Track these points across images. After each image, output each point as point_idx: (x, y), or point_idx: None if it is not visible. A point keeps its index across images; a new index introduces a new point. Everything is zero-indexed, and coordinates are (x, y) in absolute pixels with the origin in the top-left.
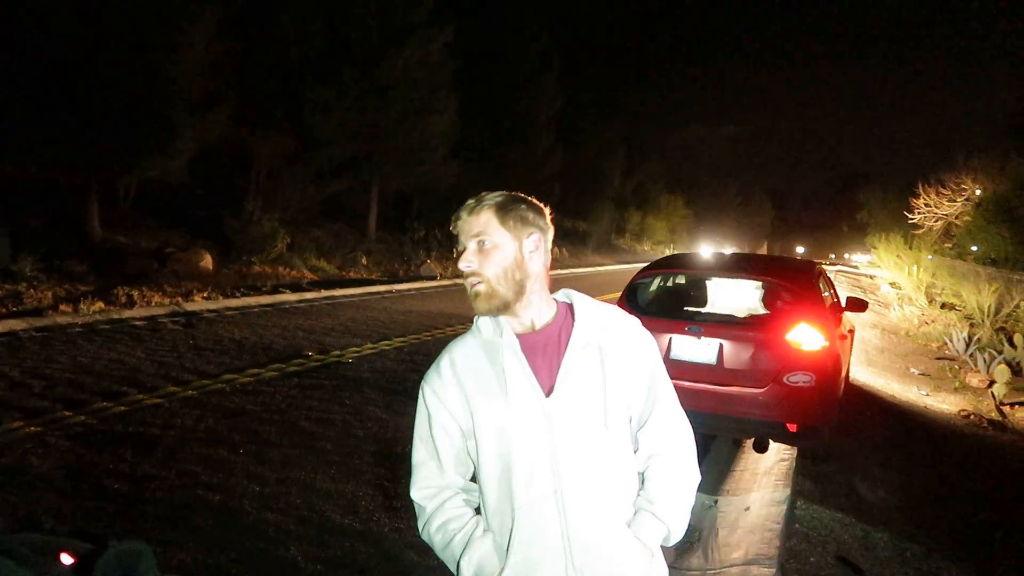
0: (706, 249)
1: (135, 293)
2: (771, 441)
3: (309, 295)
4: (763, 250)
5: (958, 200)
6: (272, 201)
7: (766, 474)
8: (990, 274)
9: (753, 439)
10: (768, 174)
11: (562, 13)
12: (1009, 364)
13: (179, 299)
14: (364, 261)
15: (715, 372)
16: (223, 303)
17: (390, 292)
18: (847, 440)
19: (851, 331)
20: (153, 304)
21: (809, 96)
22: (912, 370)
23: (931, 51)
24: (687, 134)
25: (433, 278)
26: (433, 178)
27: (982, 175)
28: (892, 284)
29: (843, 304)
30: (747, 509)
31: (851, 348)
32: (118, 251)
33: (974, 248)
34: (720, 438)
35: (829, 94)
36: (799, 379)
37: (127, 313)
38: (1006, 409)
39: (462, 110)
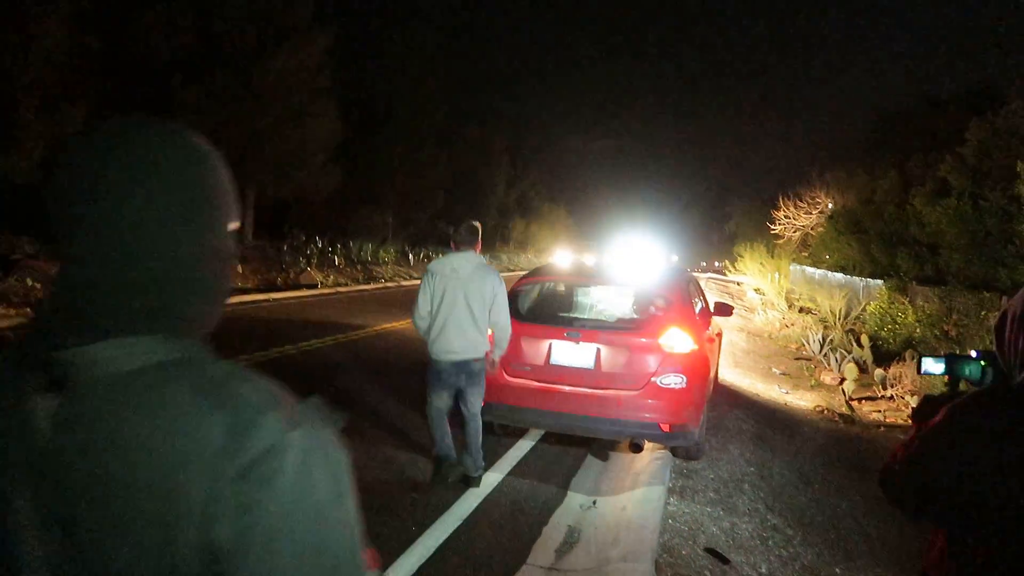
0: (581, 257)
1: None
2: (646, 441)
3: None
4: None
5: (813, 212)
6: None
7: (641, 473)
8: (840, 281)
9: (629, 440)
10: (644, 186)
11: (446, 23)
12: (857, 363)
13: (29, 311)
14: (239, 269)
15: (593, 376)
16: None
17: (267, 301)
18: (716, 437)
19: (719, 335)
20: None
21: (684, 111)
22: (774, 370)
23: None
24: (567, 145)
25: (314, 286)
26: (312, 184)
27: (834, 190)
28: (756, 290)
29: (711, 309)
30: (624, 508)
31: (719, 350)
32: None
33: (827, 257)
34: (599, 440)
35: (703, 110)
36: (671, 381)
37: None
38: (854, 404)
39: (343, 116)
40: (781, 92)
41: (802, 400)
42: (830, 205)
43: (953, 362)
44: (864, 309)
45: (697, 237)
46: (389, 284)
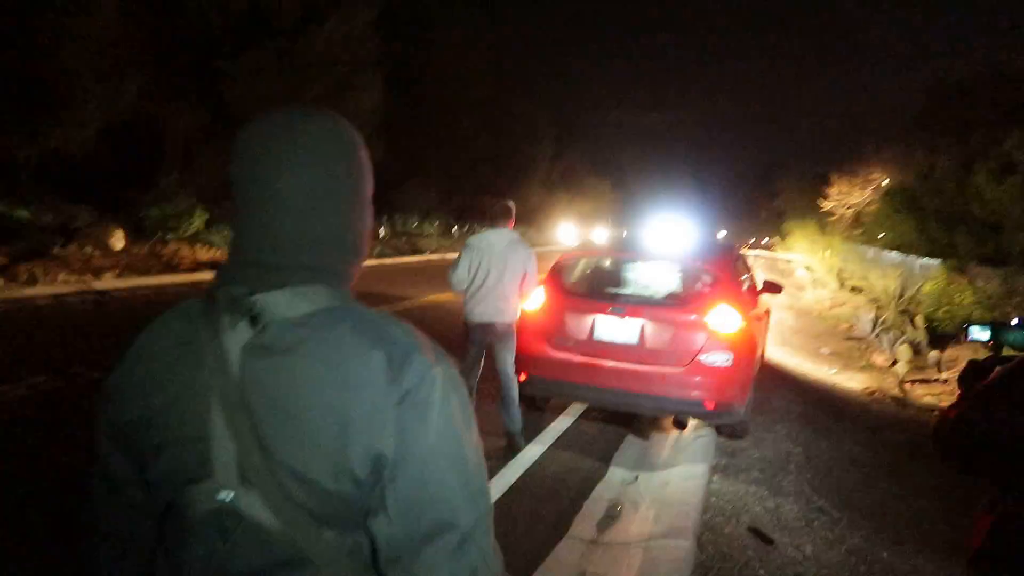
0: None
1: (38, 270)
2: (690, 419)
3: None
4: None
5: (867, 189)
6: (189, 177)
7: (685, 450)
8: (895, 260)
9: (673, 416)
10: (692, 161)
11: None
12: (911, 344)
13: (89, 277)
14: None
15: (637, 352)
16: (136, 281)
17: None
18: (762, 417)
19: (767, 313)
20: (59, 282)
21: (732, 87)
22: (823, 350)
23: (851, 44)
24: (614, 119)
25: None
26: None
27: (890, 166)
28: (806, 267)
29: (759, 287)
30: (667, 484)
31: (767, 329)
32: (17, 227)
33: (881, 235)
34: (642, 417)
35: (751, 86)
36: (717, 359)
37: (28, 291)
38: (907, 386)
39: (387, 88)
40: (836, 64)
41: (852, 381)
42: (885, 182)
43: (998, 330)
44: (919, 289)
45: (746, 213)
46: (432, 257)
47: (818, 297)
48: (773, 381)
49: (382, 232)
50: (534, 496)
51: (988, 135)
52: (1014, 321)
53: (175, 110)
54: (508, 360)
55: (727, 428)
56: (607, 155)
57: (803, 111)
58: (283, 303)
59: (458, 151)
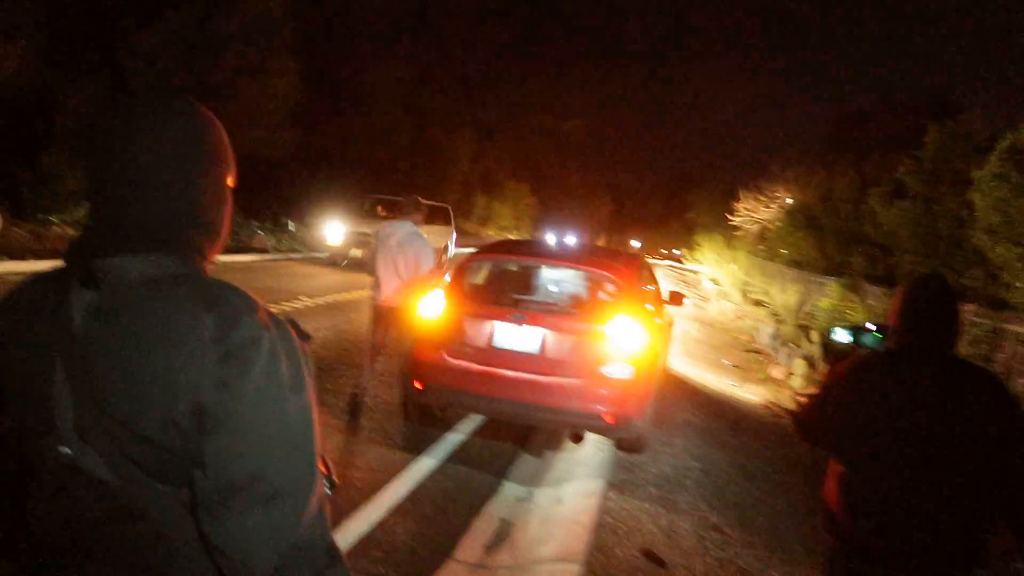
0: (541, 236)
1: None
2: (587, 432)
3: None
4: (601, 241)
5: (772, 206)
6: (81, 155)
7: (582, 465)
8: (794, 275)
9: (570, 430)
10: (611, 170)
11: None
12: (807, 358)
13: None
14: None
15: (537, 361)
16: (9, 266)
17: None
18: (661, 430)
19: (671, 324)
20: None
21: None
22: (725, 361)
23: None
24: (535, 123)
25: (264, 251)
26: (267, 144)
27: (793, 185)
28: (712, 280)
29: (665, 298)
30: (560, 501)
31: (670, 340)
32: None
33: (783, 251)
34: (540, 430)
35: (670, 98)
36: (617, 370)
37: None
38: (801, 400)
39: (304, 75)
40: (747, 86)
41: (750, 394)
42: (789, 200)
43: (857, 332)
44: (816, 305)
45: (660, 224)
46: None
47: (723, 309)
48: (675, 393)
49: (289, 225)
50: (421, 514)
51: (882, 161)
52: (870, 326)
53: (68, 81)
54: (390, 336)
55: (626, 442)
56: (527, 159)
57: (718, 127)
58: (129, 267)
59: (377, 144)
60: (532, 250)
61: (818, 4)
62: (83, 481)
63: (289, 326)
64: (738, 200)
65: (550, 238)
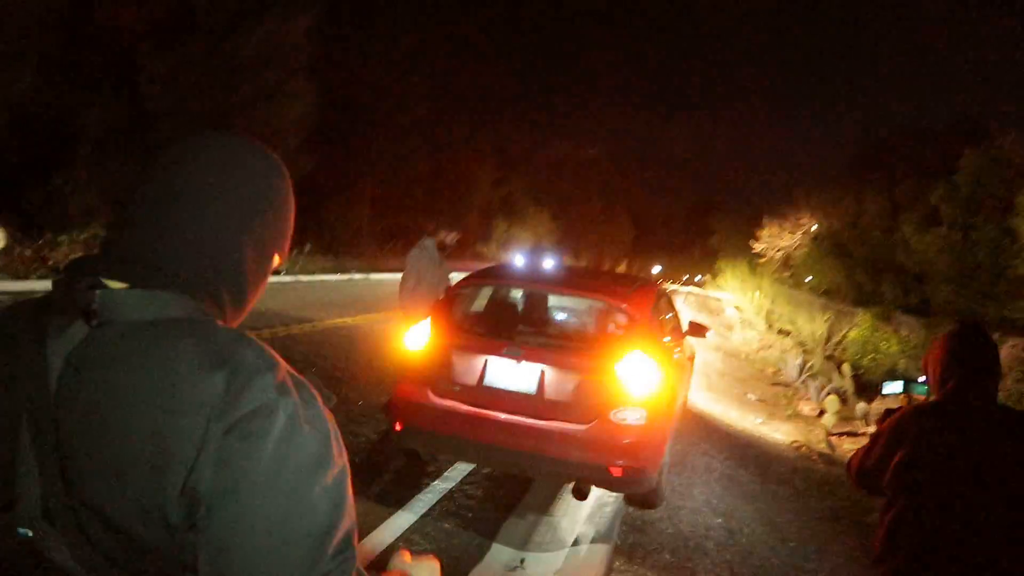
0: (543, 259)
1: None
2: (593, 487)
3: None
4: (622, 268)
5: (797, 233)
6: (95, 177)
7: (585, 524)
8: (823, 304)
9: (573, 484)
10: (632, 196)
11: (436, 13)
12: (837, 393)
13: None
14: None
15: (534, 403)
16: (10, 285)
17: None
18: (679, 479)
19: (691, 357)
20: None
21: (674, 123)
22: (749, 396)
23: (788, 91)
24: (557, 149)
25: (276, 273)
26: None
27: (819, 212)
28: (736, 308)
29: (684, 328)
30: (558, 572)
31: (691, 375)
32: None
33: (809, 279)
34: (538, 482)
35: (694, 123)
36: (628, 416)
37: None
38: (833, 439)
39: (322, 100)
40: (771, 111)
41: (778, 432)
42: (814, 227)
43: (907, 384)
44: (845, 335)
45: (682, 250)
46: (356, 275)
47: (747, 338)
48: (695, 432)
49: (304, 248)
50: None
51: (914, 187)
52: (921, 378)
53: (85, 103)
54: None
55: (637, 497)
56: (548, 185)
57: (742, 153)
58: (128, 302)
59: (394, 170)
60: (533, 276)
61: (842, 30)
62: (44, 569)
63: (311, 386)
64: (761, 226)
65: (521, 260)
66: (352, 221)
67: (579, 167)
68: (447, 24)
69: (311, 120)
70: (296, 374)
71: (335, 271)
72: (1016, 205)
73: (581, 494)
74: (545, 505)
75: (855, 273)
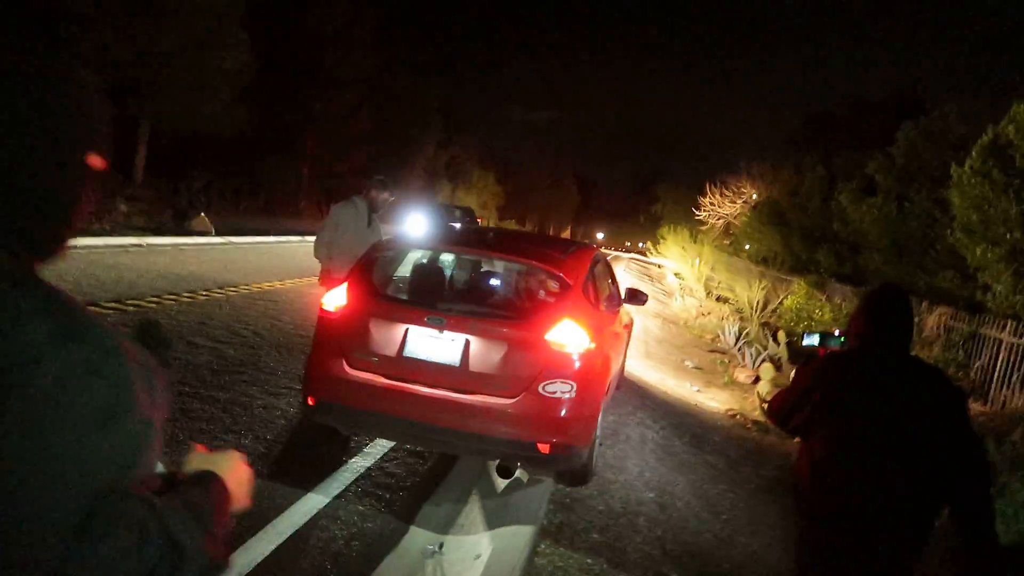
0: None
1: None
2: (519, 465)
3: None
4: (566, 233)
5: (738, 202)
6: None
7: (509, 505)
8: (761, 272)
9: (498, 462)
10: (578, 162)
11: None
12: (772, 360)
13: None
14: (123, 209)
15: (458, 375)
16: None
17: (138, 246)
18: (613, 451)
19: (629, 326)
20: None
21: (622, 92)
22: (687, 363)
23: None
24: (504, 113)
25: (207, 234)
26: (217, 122)
27: (760, 181)
28: (676, 274)
29: (623, 296)
30: (478, 557)
31: (627, 344)
32: None
33: (748, 247)
34: (464, 459)
35: (640, 92)
36: (557, 388)
37: None
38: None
39: (262, 54)
40: (716, 81)
41: (714, 400)
42: (755, 196)
43: (824, 337)
44: (781, 303)
45: (626, 216)
46: (293, 238)
47: (686, 306)
48: (631, 401)
49: (238, 208)
50: (298, 572)
51: (851, 158)
52: (836, 332)
53: None
54: None
55: (567, 474)
56: (494, 148)
57: (687, 122)
58: None
59: (335, 126)
60: (460, 239)
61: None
62: None
63: (131, 335)
64: (705, 195)
65: (422, 220)
66: (289, 180)
67: (526, 131)
68: None
69: (247, 73)
70: (96, 318)
71: (269, 233)
72: (952, 176)
73: (507, 472)
74: (469, 484)
75: (792, 241)
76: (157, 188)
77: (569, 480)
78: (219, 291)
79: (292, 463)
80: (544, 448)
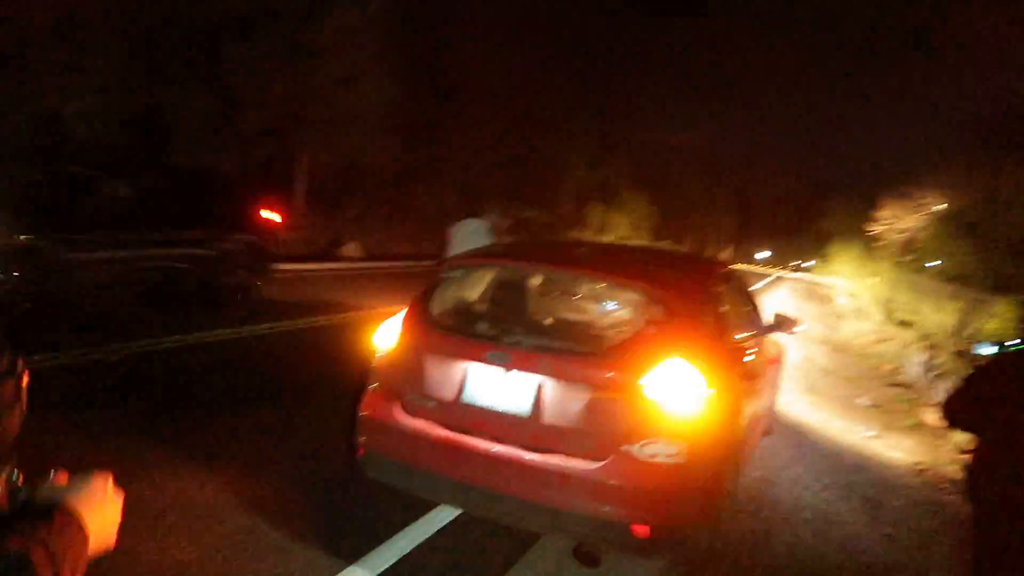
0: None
1: None
2: (607, 551)
3: None
4: (727, 254)
5: (920, 213)
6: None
7: None
8: (953, 292)
9: (576, 544)
10: (737, 179)
11: None
12: None
13: None
14: (283, 238)
15: (528, 429)
16: None
17: (290, 272)
18: (756, 519)
19: (775, 360)
20: None
21: (783, 105)
22: (860, 400)
23: (903, 60)
24: (657, 133)
25: (352, 260)
26: (368, 153)
27: (947, 189)
28: (848, 295)
29: (768, 324)
30: None
31: (775, 382)
32: None
33: (935, 263)
34: (536, 535)
35: (803, 103)
36: (659, 450)
37: None
38: (967, 459)
39: (407, 84)
40: (890, 85)
41: (896, 449)
42: (942, 206)
43: (1002, 347)
44: (980, 327)
45: (793, 233)
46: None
47: (859, 330)
48: (785, 451)
49: (386, 234)
50: None
51: None
52: (1016, 341)
53: (174, 97)
54: None
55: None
56: (647, 169)
57: (856, 130)
58: None
59: (483, 153)
60: (537, 253)
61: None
62: None
63: None
64: (878, 207)
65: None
66: (437, 205)
67: (680, 150)
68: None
69: (393, 103)
70: None
71: (414, 257)
72: None
73: (591, 560)
74: (550, 567)
75: (991, 256)
76: (315, 216)
77: (687, 560)
78: (336, 316)
79: (336, 526)
80: (640, 531)
